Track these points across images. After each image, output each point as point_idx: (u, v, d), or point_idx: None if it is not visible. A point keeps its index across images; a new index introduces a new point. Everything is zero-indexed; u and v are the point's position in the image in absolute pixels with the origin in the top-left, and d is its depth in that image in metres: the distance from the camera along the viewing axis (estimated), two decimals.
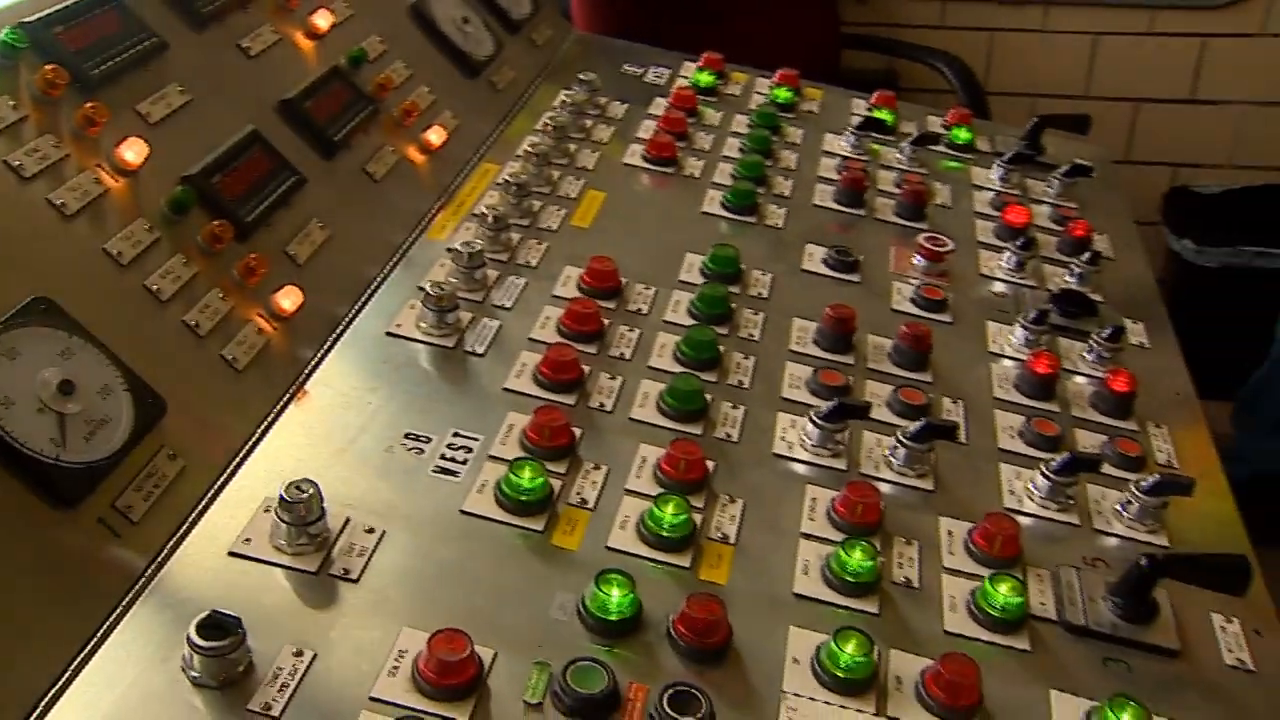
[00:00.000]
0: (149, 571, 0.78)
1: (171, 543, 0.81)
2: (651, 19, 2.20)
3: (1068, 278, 1.33)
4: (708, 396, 1.03)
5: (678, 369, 1.06)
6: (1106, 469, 1.04)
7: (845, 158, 1.52)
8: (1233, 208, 2.67)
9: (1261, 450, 2.24)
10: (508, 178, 1.30)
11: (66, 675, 0.71)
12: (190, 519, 0.83)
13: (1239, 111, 2.72)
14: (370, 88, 1.30)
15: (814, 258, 1.29)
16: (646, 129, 1.51)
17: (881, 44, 2.57)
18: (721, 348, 1.09)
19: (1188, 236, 2.60)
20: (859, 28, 2.63)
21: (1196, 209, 2.67)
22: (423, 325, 1.06)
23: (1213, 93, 2.71)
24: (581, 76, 1.57)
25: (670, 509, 0.87)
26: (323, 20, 1.30)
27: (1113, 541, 0.98)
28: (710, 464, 0.95)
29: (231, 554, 0.81)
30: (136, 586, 0.77)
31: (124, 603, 0.76)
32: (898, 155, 1.55)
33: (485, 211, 1.23)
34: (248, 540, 0.82)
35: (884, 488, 0.97)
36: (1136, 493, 0.99)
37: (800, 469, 0.98)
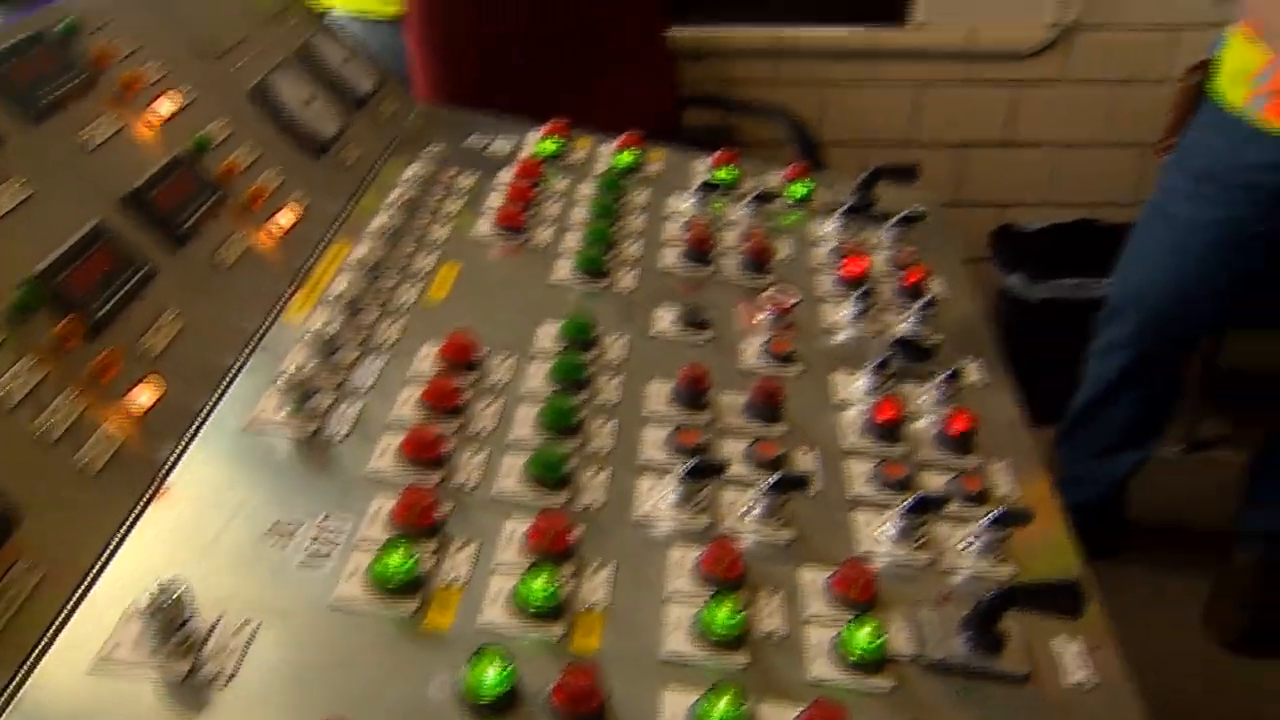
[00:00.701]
0: (10, 690, 0.76)
1: (33, 658, 0.79)
2: (494, 89, 2.23)
3: (907, 323, 1.40)
4: (570, 464, 1.05)
5: (539, 438, 1.09)
6: (953, 507, 1.10)
7: (690, 218, 1.57)
8: (1053, 243, 2.84)
9: (1082, 476, 2.39)
10: (360, 257, 1.31)
11: None
12: (52, 631, 0.81)
13: (1051, 152, 2.90)
14: (216, 173, 1.30)
15: (665, 319, 1.33)
16: (495, 200, 1.54)
17: (720, 102, 2.66)
18: (581, 415, 1.12)
19: (1016, 272, 2.76)
20: (698, 87, 2.72)
21: (1021, 246, 2.83)
22: (283, 413, 1.06)
23: (1027, 135, 2.89)
24: (428, 150, 1.60)
25: (540, 581, 0.89)
26: (164, 107, 1.30)
27: (963, 576, 1.04)
28: (577, 532, 0.97)
29: (98, 663, 0.79)
30: None
31: None
32: (740, 213, 1.61)
33: (340, 293, 1.23)
34: (115, 647, 0.80)
35: (746, 541, 1.01)
36: (981, 527, 1.05)
37: (664, 530, 1.01)
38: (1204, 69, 2.09)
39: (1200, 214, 2.01)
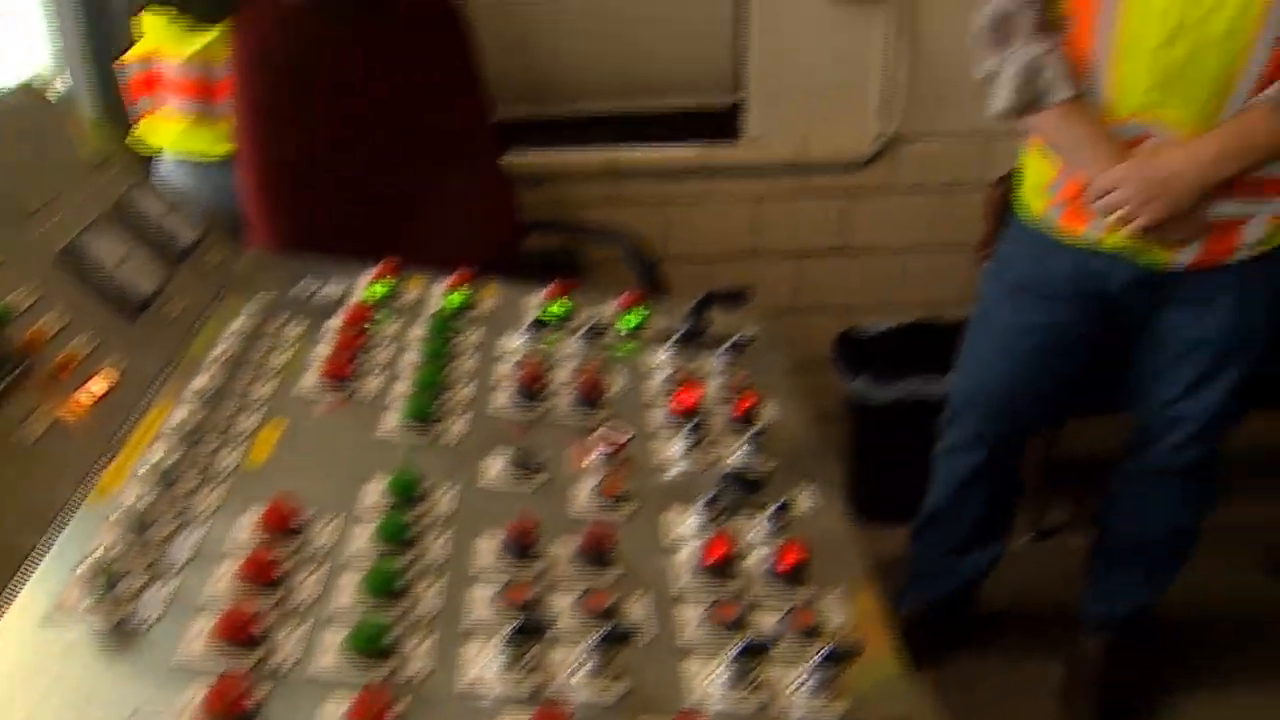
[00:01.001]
0: None
1: None
2: (330, 227, 2.22)
3: (740, 454, 1.41)
4: (394, 633, 1.03)
5: (363, 607, 1.06)
6: (786, 644, 1.11)
7: (522, 357, 1.57)
8: (895, 345, 2.93)
9: (936, 574, 2.45)
10: (179, 422, 1.28)
11: None
12: None
13: (886, 257, 3.01)
14: (20, 344, 1.25)
15: (496, 466, 1.33)
16: (323, 349, 1.52)
17: (562, 226, 2.70)
18: (406, 577, 1.10)
19: (861, 376, 2.83)
20: (540, 211, 2.75)
21: (864, 350, 2.91)
22: (87, 601, 1.01)
23: (863, 241, 2.99)
24: (255, 300, 1.57)
25: None
26: None
27: (798, 715, 1.04)
28: (399, 708, 0.95)
29: None
30: None
31: None
32: (573, 348, 1.62)
33: (155, 462, 1.20)
34: None
35: (578, 699, 1.00)
36: (811, 666, 1.06)
37: (492, 696, 0.99)
38: (1009, 180, 2.20)
39: (1020, 321, 2.10)
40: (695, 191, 2.90)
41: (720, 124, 2.90)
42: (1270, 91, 1.74)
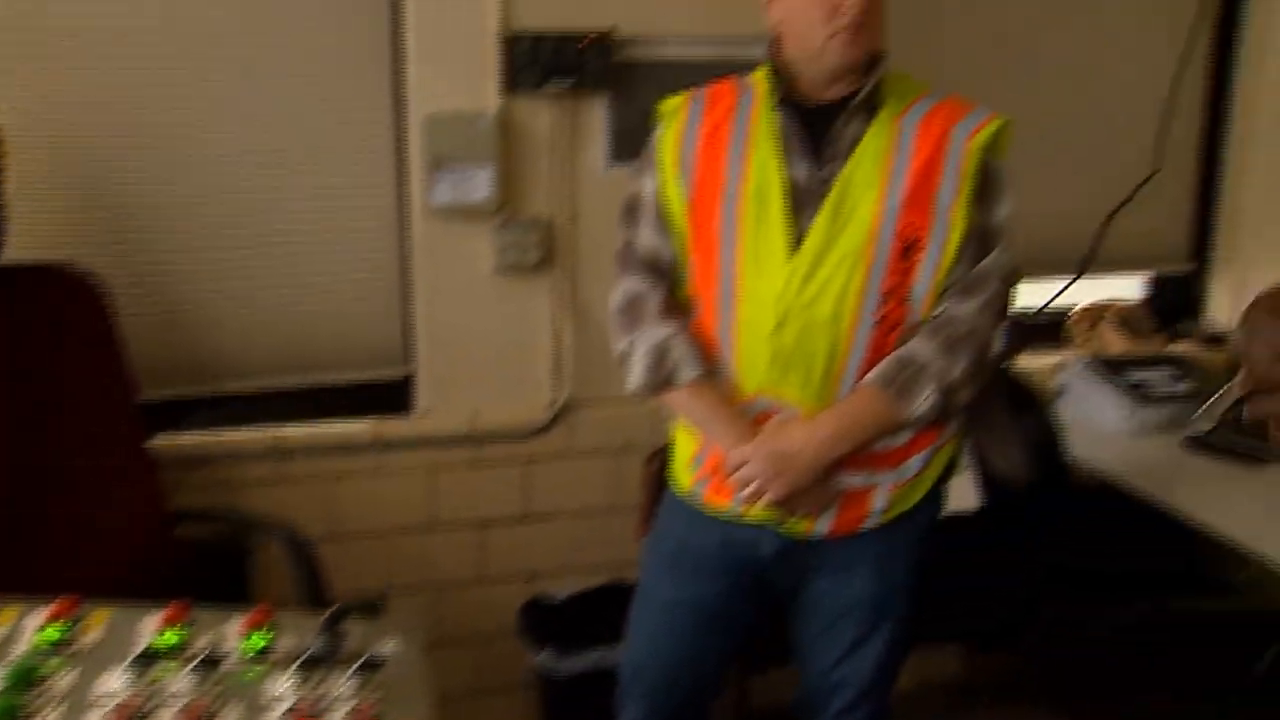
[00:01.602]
0: None
1: None
2: None
3: None
4: None
5: None
6: None
7: (119, 701, 1.40)
8: (582, 611, 2.88)
9: None
10: None
11: None
12: None
13: (569, 521, 2.99)
14: None
15: None
16: None
17: (212, 515, 2.53)
18: None
19: (548, 646, 2.75)
20: (196, 497, 2.58)
21: (550, 618, 2.84)
22: None
23: (544, 507, 2.97)
24: None
25: None
26: None
27: None
28: None
29: None
30: None
31: None
32: (183, 682, 1.47)
33: None
34: None
35: None
36: None
37: None
38: (664, 453, 2.24)
39: (679, 594, 2.10)
40: (368, 466, 2.81)
41: (391, 397, 2.86)
42: (873, 373, 1.86)
